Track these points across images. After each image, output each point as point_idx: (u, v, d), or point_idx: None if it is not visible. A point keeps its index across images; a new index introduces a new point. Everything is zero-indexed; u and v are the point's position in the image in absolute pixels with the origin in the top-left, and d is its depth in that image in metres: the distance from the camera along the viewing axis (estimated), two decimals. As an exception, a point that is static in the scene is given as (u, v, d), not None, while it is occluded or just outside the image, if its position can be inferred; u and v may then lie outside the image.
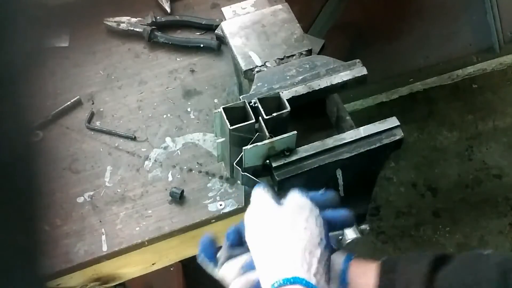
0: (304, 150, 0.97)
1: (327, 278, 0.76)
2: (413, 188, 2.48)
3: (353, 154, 0.97)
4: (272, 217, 0.78)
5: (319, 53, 1.28)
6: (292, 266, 0.73)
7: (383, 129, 0.99)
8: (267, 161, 0.96)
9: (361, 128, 1.00)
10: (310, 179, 0.95)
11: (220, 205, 1.15)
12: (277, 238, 0.76)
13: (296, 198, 0.79)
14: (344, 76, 1.05)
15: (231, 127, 0.95)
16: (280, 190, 0.96)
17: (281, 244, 0.75)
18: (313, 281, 0.72)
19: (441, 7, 2.36)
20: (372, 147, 0.98)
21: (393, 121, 0.99)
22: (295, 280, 0.72)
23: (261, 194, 0.81)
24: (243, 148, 0.93)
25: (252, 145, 0.93)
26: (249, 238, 0.79)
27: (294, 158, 0.96)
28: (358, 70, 1.06)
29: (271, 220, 0.78)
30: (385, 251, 2.37)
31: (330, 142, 0.98)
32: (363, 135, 0.98)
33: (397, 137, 0.98)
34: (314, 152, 0.96)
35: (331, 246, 0.78)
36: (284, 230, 0.76)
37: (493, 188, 2.47)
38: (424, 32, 2.39)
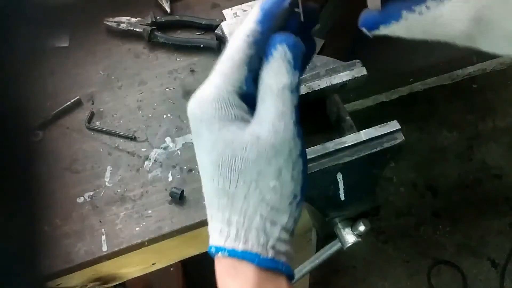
0: (304, 154, 0.97)
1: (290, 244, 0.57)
2: (413, 188, 2.49)
3: (353, 158, 0.97)
4: (228, 145, 0.54)
5: (319, 53, 1.28)
6: (242, 239, 0.55)
7: (384, 132, 0.99)
8: None
9: (361, 131, 1.00)
10: (311, 183, 0.95)
11: (220, 205, 1.15)
12: (227, 190, 0.55)
13: (276, 126, 0.54)
14: (344, 76, 1.05)
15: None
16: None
17: (232, 203, 0.55)
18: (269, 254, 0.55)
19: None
20: (372, 151, 0.98)
21: (394, 125, 0.99)
22: (244, 256, 0.55)
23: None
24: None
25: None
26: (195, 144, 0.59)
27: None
28: (358, 70, 1.06)
29: (225, 150, 0.55)
30: (385, 251, 2.38)
31: (331, 145, 0.98)
32: (364, 139, 0.98)
33: (398, 141, 0.98)
34: (314, 156, 0.96)
35: (302, 201, 0.58)
36: (240, 180, 0.54)
37: (493, 188, 2.48)
38: (424, 32, 2.39)
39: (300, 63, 0.57)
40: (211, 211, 0.57)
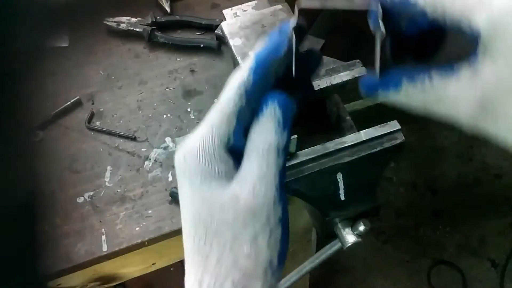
0: (305, 154, 0.97)
1: None
2: (413, 188, 2.49)
3: (353, 158, 0.97)
4: (206, 204, 0.52)
5: (319, 53, 1.28)
6: None
7: (384, 132, 0.99)
8: None
9: (362, 131, 1.00)
10: (311, 183, 0.95)
11: (220, 205, 1.15)
12: (202, 249, 0.52)
13: (257, 189, 0.52)
14: (344, 76, 1.05)
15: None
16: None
17: (205, 262, 0.52)
18: None
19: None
20: (373, 151, 0.98)
21: (394, 125, 0.99)
22: None
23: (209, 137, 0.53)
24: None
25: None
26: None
27: (294, 162, 0.96)
28: (358, 70, 1.06)
29: (202, 209, 0.52)
30: (385, 251, 2.38)
31: (331, 145, 0.98)
32: (364, 139, 0.98)
33: (398, 141, 0.98)
34: (314, 156, 0.96)
35: (281, 268, 0.54)
36: (215, 241, 0.52)
37: (493, 188, 2.48)
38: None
39: (290, 123, 0.54)
40: (187, 264, 0.54)
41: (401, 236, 2.39)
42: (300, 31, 0.56)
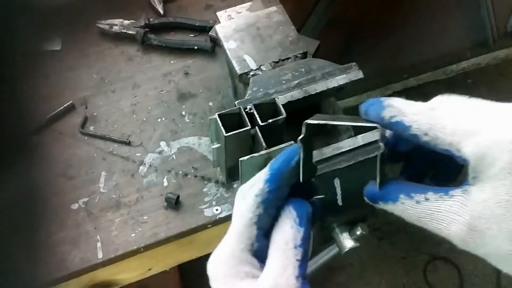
0: (301, 160, 0.96)
1: None
2: (409, 184, 2.48)
3: (351, 163, 0.96)
4: None
5: (314, 54, 1.27)
6: None
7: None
8: None
9: (359, 136, 0.99)
10: (307, 189, 0.94)
11: (216, 210, 1.14)
12: None
13: (277, 280, 0.57)
14: (340, 80, 1.04)
15: (227, 134, 0.94)
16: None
17: None
18: None
19: (435, 2, 2.36)
20: (370, 155, 0.97)
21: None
22: None
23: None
24: (240, 159, 0.92)
25: (248, 156, 0.92)
26: None
27: (290, 168, 0.95)
28: (354, 73, 1.05)
29: None
30: (381, 247, 2.37)
31: (328, 151, 0.97)
32: (361, 143, 0.97)
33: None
34: (311, 162, 0.96)
35: None
36: None
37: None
38: (418, 28, 2.38)
39: (306, 220, 0.61)
40: None
41: (397, 232, 2.39)
42: (307, 142, 0.66)
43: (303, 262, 0.59)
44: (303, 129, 0.64)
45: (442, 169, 0.66)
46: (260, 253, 0.60)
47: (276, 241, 0.59)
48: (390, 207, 0.61)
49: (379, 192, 0.63)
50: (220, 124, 0.94)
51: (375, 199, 0.64)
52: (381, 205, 0.63)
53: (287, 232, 0.59)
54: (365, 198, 0.63)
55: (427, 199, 0.57)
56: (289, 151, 0.64)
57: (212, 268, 0.60)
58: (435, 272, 2.36)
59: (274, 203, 0.61)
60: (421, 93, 2.60)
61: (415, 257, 2.37)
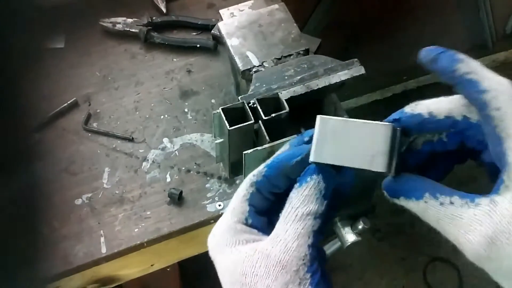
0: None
1: None
2: (408, 186, 2.49)
3: None
4: (238, 264, 0.58)
5: (315, 52, 1.28)
6: None
7: None
8: None
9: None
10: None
11: (219, 205, 1.15)
12: None
13: (288, 246, 0.57)
14: (342, 75, 1.05)
15: (230, 128, 0.94)
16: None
17: None
18: None
19: (434, 4, 2.37)
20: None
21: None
22: None
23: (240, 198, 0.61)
24: (244, 152, 0.93)
25: (252, 150, 0.93)
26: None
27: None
28: (356, 69, 1.06)
29: (236, 269, 0.58)
30: (381, 248, 2.38)
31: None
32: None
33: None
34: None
35: None
36: None
37: (487, 185, 2.48)
38: (418, 30, 2.40)
39: (330, 193, 0.59)
40: None
41: (397, 233, 2.40)
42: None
43: (319, 231, 0.58)
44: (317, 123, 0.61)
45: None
46: (256, 226, 0.60)
47: (296, 208, 0.58)
48: (411, 204, 0.58)
49: (401, 186, 0.59)
50: (224, 118, 0.95)
51: (397, 193, 0.59)
52: (401, 201, 0.59)
53: (311, 203, 0.58)
54: (384, 191, 0.59)
55: (452, 203, 0.55)
56: (298, 148, 0.63)
57: (211, 240, 0.61)
58: (435, 273, 2.36)
59: (268, 188, 0.61)
60: (421, 95, 2.60)
61: (415, 258, 2.38)
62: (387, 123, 0.59)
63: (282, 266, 0.56)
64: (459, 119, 0.58)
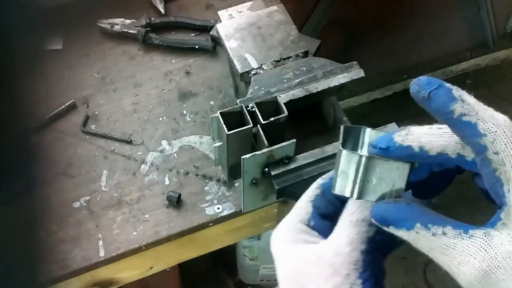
0: (303, 158, 0.96)
1: None
2: (409, 185, 2.49)
3: None
4: (294, 262, 0.60)
5: (315, 53, 1.27)
6: None
7: None
8: (266, 169, 0.95)
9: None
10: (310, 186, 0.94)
11: (218, 208, 1.15)
12: None
13: (341, 250, 0.57)
14: (341, 78, 1.04)
15: (229, 132, 0.94)
16: (280, 197, 0.96)
17: None
18: None
19: (435, 3, 2.36)
20: None
21: (392, 127, 0.98)
22: None
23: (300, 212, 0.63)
24: (242, 157, 0.92)
25: (251, 154, 0.92)
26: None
27: (293, 166, 0.95)
28: (356, 72, 1.05)
29: (291, 266, 0.60)
30: (381, 248, 2.38)
31: (329, 149, 0.98)
32: None
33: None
34: (313, 159, 0.96)
35: None
36: None
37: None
38: (418, 28, 2.39)
39: None
40: None
41: (397, 233, 2.40)
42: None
43: (375, 237, 0.57)
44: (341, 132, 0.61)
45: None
46: (318, 228, 0.61)
47: (352, 213, 0.58)
48: (401, 233, 0.56)
49: (391, 215, 0.57)
50: (222, 122, 0.95)
51: (386, 222, 0.56)
52: (391, 229, 0.57)
53: (367, 208, 0.57)
54: (373, 219, 0.57)
55: (444, 234, 0.53)
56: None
57: (274, 235, 0.63)
58: (435, 272, 2.36)
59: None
60: (421, 94, 2.61)
61: (415, 258, 2.37)
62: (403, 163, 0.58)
63: (334, 269, 0.57)
64: (453, 157, 0.56)
